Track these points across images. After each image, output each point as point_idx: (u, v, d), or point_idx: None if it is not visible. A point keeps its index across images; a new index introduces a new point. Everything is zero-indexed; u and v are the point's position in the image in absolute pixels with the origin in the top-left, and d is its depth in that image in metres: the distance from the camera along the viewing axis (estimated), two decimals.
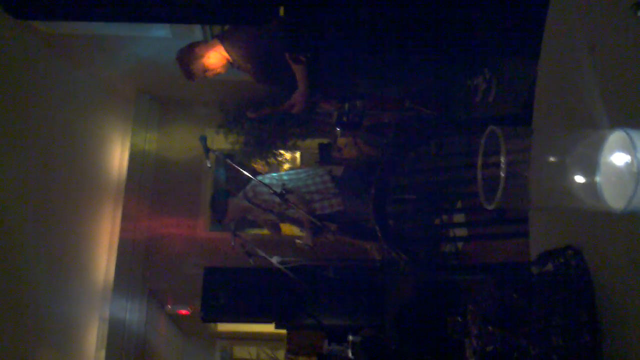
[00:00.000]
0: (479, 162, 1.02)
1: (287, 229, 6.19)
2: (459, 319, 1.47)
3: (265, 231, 6.29)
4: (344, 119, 4.86)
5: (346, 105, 4.79)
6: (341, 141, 5.41)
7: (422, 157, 2.63)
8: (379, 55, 4.08)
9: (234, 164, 4.24)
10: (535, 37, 1.60)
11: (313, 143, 6.29)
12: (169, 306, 6.33)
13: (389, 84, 4.45)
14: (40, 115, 5.11)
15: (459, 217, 2.60)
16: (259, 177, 4.67)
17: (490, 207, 1.00)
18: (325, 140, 5.76)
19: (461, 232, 2.72)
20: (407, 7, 3.26)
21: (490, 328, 1.34)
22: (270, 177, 4.76)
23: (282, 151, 6.86)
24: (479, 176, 1.02)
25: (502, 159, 0.94)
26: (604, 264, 1.32)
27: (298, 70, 3.79)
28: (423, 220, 2.46)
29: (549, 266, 1.45)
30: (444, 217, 2.74)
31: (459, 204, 2.30)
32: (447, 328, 1.54)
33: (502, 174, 0.94)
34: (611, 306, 1.29)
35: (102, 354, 5.84)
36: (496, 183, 1.03)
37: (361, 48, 3.89)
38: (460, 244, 3.48)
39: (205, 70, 3.99)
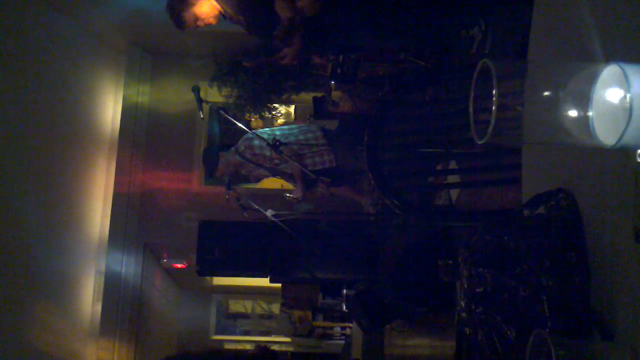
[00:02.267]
0: (471, 96, 1.00)
1: (281, 182, 6.19)
2: (450, 262, 1.47)
3: (260, 185, 6.29)
4: (338, 71, 4.81)
5: (340, 58, 4.74)
6: (336, 94, 5.37)
7: (417, 105, 2.61)
8: (374, 5, 4.02)
9: (227, 116, 4.21)
10: None
11: (307, 97, 6.25)
12: (165, 260, 6.37)
13: (384, 36, 4.40)
14: (32, 67, 5.06)
15: (452, 165, 2.60)
16: (252, 132, 4.65)
17: (481, 142, 0.98)
18: (319, 94, 5.72)
19: (455, 180, 2.72)
20: None
21: (480, 269, 1.34)
22: (262, 132, 4.73)
23: (276, 105, 6.82)
24: (471, 110, 1.00)
25: (494, 92, 0.92)
26: (595, 205, 1.31)
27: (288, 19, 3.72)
28: (417, 168, 2.46)
29: (541, 209, 1.45)
30: (438, 165, 2.74)
31: (453, 152, 2.30)
32: (439, 271, 1.54)
33: (494, 107, 0.92)
34: (601, 247, 1.29)
35: (99, 306, 5.89)
36: (489, 119, 1.02)
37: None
38: (455, 194, 3.48)
39: (197, 19, 3.92)
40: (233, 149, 4.72)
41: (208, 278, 6.97)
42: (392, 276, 3.95)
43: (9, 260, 4.67)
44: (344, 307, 4.84)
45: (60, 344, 5.35)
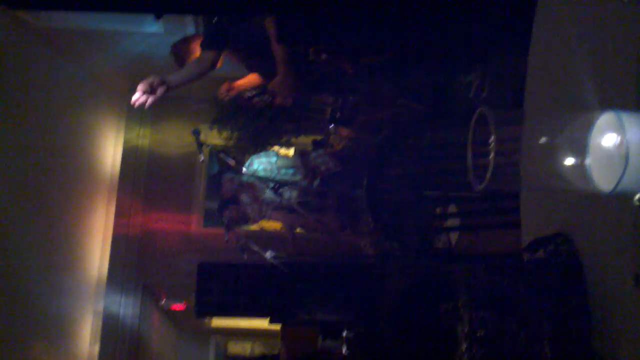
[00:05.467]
0: (469, 142, 1.02)
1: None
2: (451, 305, 1.48)
3: (259, 226, 6.29)
4: (338, 115, 4.85)
5: (339, 102, 4.79)
6: (335, 138, 5.41)
7: (416, 149, 2.64)
8: (372, 51, 4.08)
9: (227, 158, 4.24)
10: (527, 31, 1.61)
11: (307, 140, 6.29)
12: (163, 301, 6.32)
13: (383, 80, 4.45)
14: (33, 110, 5.10)
15: (452, 209, 2.61)
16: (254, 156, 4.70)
17: (479, 188, 1.00)
18: (318, 137, 5.75)
19: (454, 224, 2.73)
20: (400, 4, 3.27)
21: (481, 313, 1.35)
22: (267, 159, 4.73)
23: (275, 147, 6.85)
24: (469, 157, 1.03)
25: (492, 139, 0.95)
26: (593, 249, 1.33)
27: (281, 59, 3.75)
28: (416, 211, 2.48)
29: (540, 253, 1.46)
30: (438, 209, 2.75)
31: (452, 195, 2.31)
32: (439, 315, 1.54)
33: (491, 154, 0.95)
34: (601, 292, 1.29)
35: (96, 348, 5.83)
36: (487, 164, 1.04)
37: (354, 43, 3.89)
38: (454, 237, 3.49)
39: None
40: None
41: (207, 320, 6.92)
42: (392, 319, 3.93)
43: (7, 301, 4.64)
44: (344, 350, 4.79)
45: None
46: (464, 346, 1.37)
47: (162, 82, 3.52)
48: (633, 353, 1.19)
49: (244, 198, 4.63)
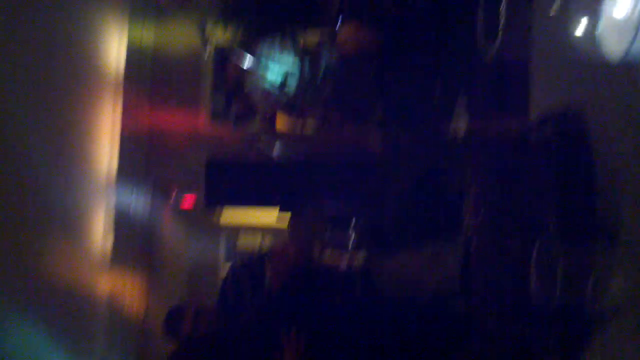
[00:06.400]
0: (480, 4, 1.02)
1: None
2: (457, 181, 1.51)
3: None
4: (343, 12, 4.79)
5: None
6: (341, 35, 5.34)
7: (424, 34, 2.62)
8: None
9: (232, 51, 4.22)
10: None
11: (313, 38, 6.20)
12: (174, 195, 6.42)
13: None
14: (35, 8, 5.01)
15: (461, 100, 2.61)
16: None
17: (489, 54, 1.02)
18: (325, 35, 5.67)
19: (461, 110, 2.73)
20: None
21: (489, 182, 1.39)
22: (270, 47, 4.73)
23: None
24: (480, 18, 1.03)
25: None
26: (601, 123, 1.35)
27: None
28: (424, 95, 2.48)
29: (548, 130, 1.48)
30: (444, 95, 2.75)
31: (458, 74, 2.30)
32: (445, 187, 1.58)
33: (502, 14, 0.95)
34: (607, 163, 1.32)
35: (110, 239, 5.98)
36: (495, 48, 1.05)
37: None
38: (462, 127, 3.49)
39: None
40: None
41: (216, 216, 7.03)
42: (399, 207, 4.00)
43: (16, 197, 4.71)
44: (351, 242, 4.91)
45: (73, 276, 5.44)
46: (470, 210, 1.42)
47: None
48: (636, 213, 1.23)
49: (248, 83, 4.64)
